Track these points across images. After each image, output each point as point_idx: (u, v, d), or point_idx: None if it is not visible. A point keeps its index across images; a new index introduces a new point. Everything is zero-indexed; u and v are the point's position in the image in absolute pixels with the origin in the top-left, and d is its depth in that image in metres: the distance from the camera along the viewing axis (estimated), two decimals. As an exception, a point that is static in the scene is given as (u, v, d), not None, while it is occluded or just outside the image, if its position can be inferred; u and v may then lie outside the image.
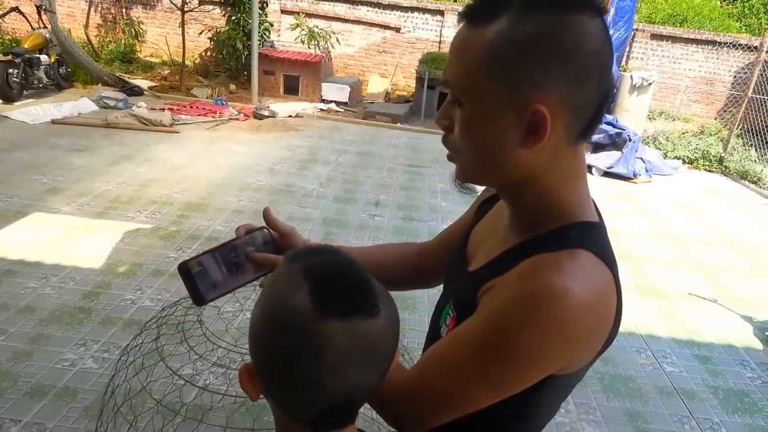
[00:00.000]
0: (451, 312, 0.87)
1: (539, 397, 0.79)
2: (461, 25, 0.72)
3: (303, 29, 9.22)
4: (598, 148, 6.86)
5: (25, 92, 6.94)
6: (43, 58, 7.21)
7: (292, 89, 9.05)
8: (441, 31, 10.27)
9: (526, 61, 0.67)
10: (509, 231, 0.82)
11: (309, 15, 10.05)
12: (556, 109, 0.68)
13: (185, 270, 0.89)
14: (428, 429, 0.80)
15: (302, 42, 9.20)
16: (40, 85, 7.19)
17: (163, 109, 7.04)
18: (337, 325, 0.59)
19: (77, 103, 6.82)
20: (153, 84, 8.69)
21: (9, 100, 6.63)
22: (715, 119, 9.26)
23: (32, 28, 7.58)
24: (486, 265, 0.82)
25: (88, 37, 9.59)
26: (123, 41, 10.02)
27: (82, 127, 6.18)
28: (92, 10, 10.17)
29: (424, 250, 1.14)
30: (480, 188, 0.85)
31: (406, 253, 1.15)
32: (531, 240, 0.77)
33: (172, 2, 8.92)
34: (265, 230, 1.00)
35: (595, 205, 0.84)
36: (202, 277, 0.90)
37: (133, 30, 10.03)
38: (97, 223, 3.96)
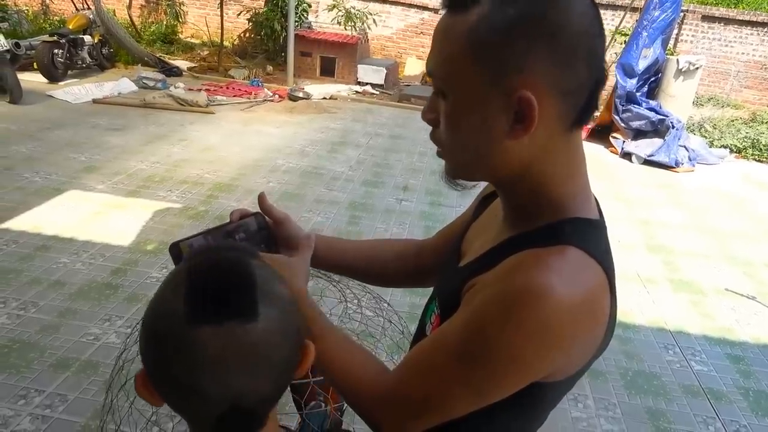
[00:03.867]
0: (436, 309, 0.84)
1: (525, 405, 0.75)
2: (443, 12, 0.69)
3: (340, 10, 9.15)
4: (639, 134, 6.61)
5: (69, 72, 7.14)
6: (87, 38, 7.39)
7: (328, 71, 9.04)
8: (481, 12, 10.02)
9: (510, 45, 0.63)
10: (503, 226, 0.78)
11: (347, -5, 9.96)
12: (544, 94, 0.64)
13: (176, 251, 0.88)
14: None
15: (339, 23, 9.15)
16: (84, 65, 7.38)
17: (200, 90, 7.13)
18: (209, 331, 0.55)
19: (118, 83, 6.98)
20: (192, 65, 8.82)
21: (54, 79, 6.84)
22: (769, 106, 8.80)
23: (77, 9, 7.78)
24: (475, 260, 0.79)
25: (131, 18, 9.79)
26: (165, 22, 10.18)
27: (120, 107, 6.34)
28: (135, -9, 10.36)
29: (423, 247, 1.10)
30: (472, 184, 0.80)
31: (404, 249, 1.11)
32: (521, 235, 0.73)
33: (211, -17, 8.99)
34: (260, 216, 0.97)
35: (597, 203, 0.79)
36: None
37: (174, 11, 10.17)
38: (129, 201, 4.06)
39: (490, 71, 0.65)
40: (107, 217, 3.80)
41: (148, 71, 7.74)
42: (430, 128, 0.76)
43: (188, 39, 10.27)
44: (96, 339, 2.62)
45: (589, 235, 0.70)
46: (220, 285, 0.57)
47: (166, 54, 9.13)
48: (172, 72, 7.98)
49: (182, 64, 8.62)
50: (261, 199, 0.97)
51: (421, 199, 4.71)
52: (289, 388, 1.74)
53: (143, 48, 8.65)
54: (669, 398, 2.65)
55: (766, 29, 8.82)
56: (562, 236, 0.69)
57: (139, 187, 4.31)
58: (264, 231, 0.96)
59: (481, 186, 0.88)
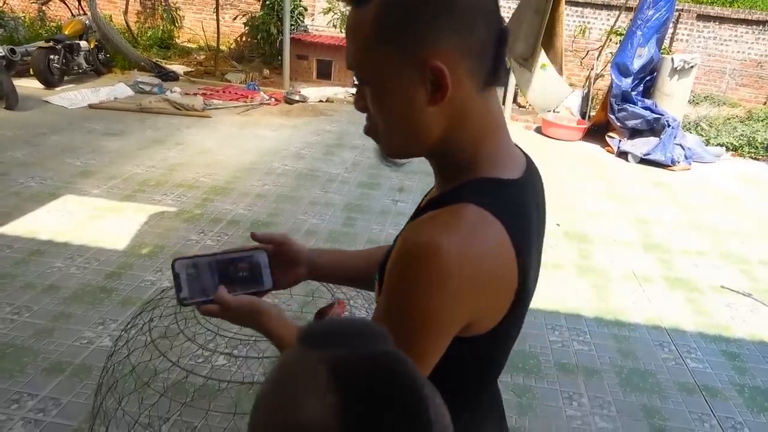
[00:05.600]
0: (377, 277, 0.87)
1: (462, 360, 0.78)
2: (350, 9, 0.74)
3: (336, 13, 9.17)
4: (635, 133, 6.62)
5: (65, 77, 7.15)
6: (83, 44, 7.41)
7: (324, 74, 9.05)
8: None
9: (410, 21, 0.69)
10: (435, 189, 0.84)
11: (342, -1, 9.98)
12: (453, 61, 0.69)
13: (177, 268, 0.89)
14: None
15: (335, 26, 9.17)
16: (80, 71, 7.40)
17: (196, 94, 7.14)
18: None
19: (114, 88, 6.99)
20: (189, 69, 8.83)
21: (50, 85, 6.84)
22: (765, 104, 8.80)
23: (73, 14, 7.80)
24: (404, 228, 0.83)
25: (127, 23, 9.81)
26: (161, 27, 10.20)
27: (117, 112, 6.34)
28: (132, -4, 10.38)
29: None
30: (403, 161, 0.84)
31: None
32: (432, 199, 0.78)
33: (207, -12, 9.01)
34: (264, 252, 0.98)
35: (529, 162, 0.83)
36: (193, 279, 0.90)
37: (170, 16, 10.19)
38: (125, 205, 4.06)
39: (400, 49, 0.70)
40: (102, 221, 3.80)
41: (145, 76, 7.75)
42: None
43: (185, 44, 10.29)
44: (90, 342, 2.62)
45: (491, 193, 0.73)
46: (392, 399, 0.44)
47: (163, 59, 9.14)
48: (169, 76, 7.99)
49: (179, 68, 8.63)
50: (253, 235, 1.01)
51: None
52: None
53: (140, 53, 8.66)
54: (664, 396, 2.64)
55: (761, 27, 8.84)
56: (461, 196, 0.72)
57: (135, 191, 4.31)
58: (267, 269, 0.97)
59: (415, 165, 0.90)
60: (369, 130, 0.80)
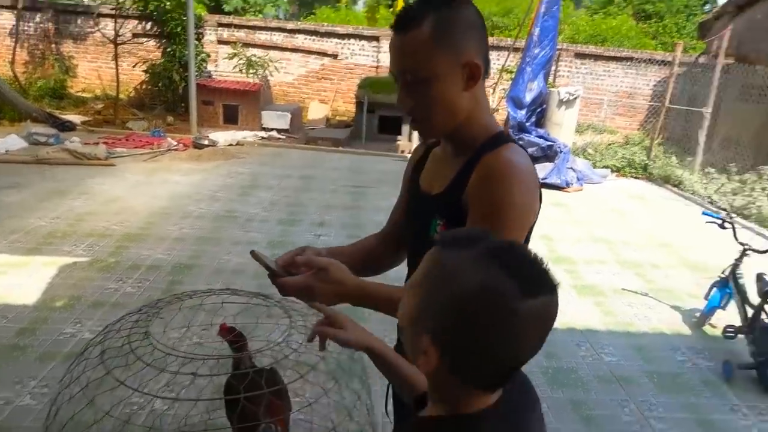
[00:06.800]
0: (439, 222, 1.14)
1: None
2: (395, 34, 1.06)
3: (241, 58, 9.25)
4: (531, 160, 7.14)
5: (-54, 132, 6.64)
6: (-34, 96, 6.94)
7: (231, 118, 9.03)
8: (378, 56, 10.52)
9: (458, 34, 1.04)
10: (455, 160, 1.14)
11: (246, 44, 10.10)
12: (477, 59, 1.06)
13: (258, 252, 1.16)
14: None
15: (241, 71, 9.23)
16: (-36, 124, 6.90)
17: (98, 143, 6.87)
18: (536, 303, 0.67)
19: (5, 141, 6.58)
20: (86, 119, 8.48)
21: (-71, 140, 6.33)
22: (638, 130, 9.85)
23: (-47, 65, 7.30)
24: (451, 183, 1.13)
25: (14, 73, 9.29)
26: (53, 77, 9.75)
27: (11, 165, 5.96)
28: (18, 46, 9.88)
29: (385, 234, 1.39)
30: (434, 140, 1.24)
31: (369, 245, 1.39)
32: (475, 152, 1.09)
33: (104, 36, 8.78)
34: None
35: None
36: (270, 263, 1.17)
37: (63, 65, 9.79)
38: (30, 259, 3.81)
39: (451, 54, 1.04)
40: (6, 276, 3.54)
41: (39, 127, 7.36)
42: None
43: (79, 93, 9.89)
44: (7, 403, 2.42)
45: (510, 138, 1.13)
46: (536, 264, 0.71)
47: (57, 109, 8.73)
48: (65, 126, 7.64)
49: (75, 118, 8.28)
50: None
51: (338, 233, 4.80)
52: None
53: (30, 103, 8.22)
54: (587, 388, 2.87)
55: (628, 63, 9.97)
56: (502, 140, 1.10)
57: (40, 244, 4.07)
58: None
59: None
60: (415, 122, 1.11)
